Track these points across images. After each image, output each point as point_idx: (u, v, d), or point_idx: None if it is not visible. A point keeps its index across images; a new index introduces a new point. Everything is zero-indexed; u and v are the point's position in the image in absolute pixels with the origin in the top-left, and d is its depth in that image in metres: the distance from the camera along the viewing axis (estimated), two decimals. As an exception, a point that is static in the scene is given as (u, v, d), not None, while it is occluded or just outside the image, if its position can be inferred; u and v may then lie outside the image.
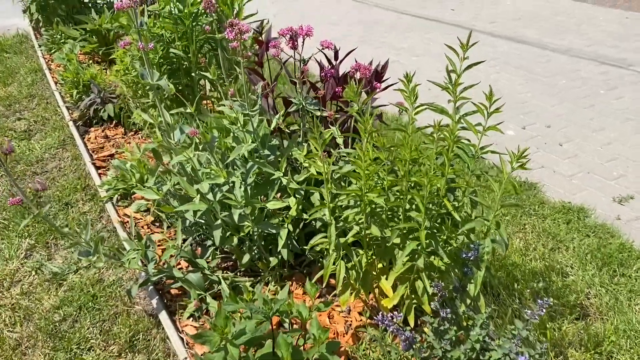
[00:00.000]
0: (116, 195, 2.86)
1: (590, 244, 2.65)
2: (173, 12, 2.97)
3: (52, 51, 5.12)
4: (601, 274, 2.45)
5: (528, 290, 2.31)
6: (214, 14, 2.72)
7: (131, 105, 3.46)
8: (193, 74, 3.12)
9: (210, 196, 1.99)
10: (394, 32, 6.63)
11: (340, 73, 2.40)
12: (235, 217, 1.93)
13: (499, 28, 6.66)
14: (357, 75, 2.13)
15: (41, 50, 5.24)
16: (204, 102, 3.36)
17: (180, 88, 3.18)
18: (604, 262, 2.52)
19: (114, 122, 3.73)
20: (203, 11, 3.02)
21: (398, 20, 7.16)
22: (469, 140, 2.04)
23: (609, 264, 2.51)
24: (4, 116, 4.32)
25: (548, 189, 3.21)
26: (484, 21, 7.00)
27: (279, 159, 2.13)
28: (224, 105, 2.09)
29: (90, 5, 5.55)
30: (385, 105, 2.58)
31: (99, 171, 3.21)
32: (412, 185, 1.80)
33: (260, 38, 2.38)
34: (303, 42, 2.04)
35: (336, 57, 2.45)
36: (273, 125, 2.09)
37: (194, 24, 2.99)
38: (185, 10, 2.92)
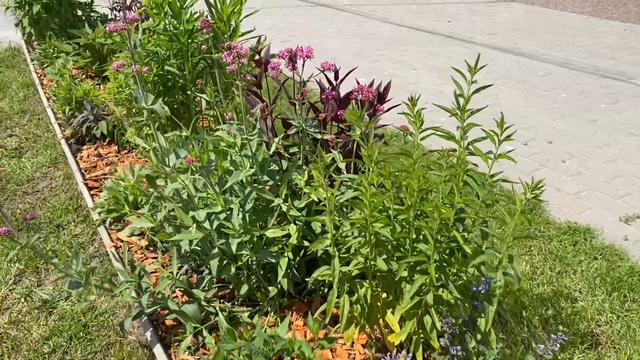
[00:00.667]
0: (109, 218, 2.77)
1: (599, 267, 2.57)
2: (168, 28, 2.89)
3: (45, 65, 5.04)
4: (611, 299, 2.37)
5: (537, 318, 2.23)
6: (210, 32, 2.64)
7: (125, 123, 3.38)
8: (189, 92, 3.04)
9: (206, 224, 1.90)
10: (391, 44, 6.58)
11: (341, 93, 2.32)
12: (234, 247, 1.85)
13: (497, 40, 6.62)
14: (360, 97, 2.05)
15: (33, 64, 5.15)
16: (200, 120, 3.28)
17: (175, 106, 3.10)
18: (614, 287, 2.44)
19: (107, 139, 3.64)
20: (199, 28, 2.95)
21: (394, 32, 7.12)
22: (476, 165, 1.97)
23: (618, 288, 2.43)
24: (-5, 133, 4.22)
25: (553, 208, 3.14)
26: (481, 33, 6.96)
27: (279, 184, 2.05)
28: (222, 130, 2.00)
29: (83, 18, 5.47)
30: (386, 125, 2.50)
31: (92, 192, 3.12)
32: (419, 213, 1.72)
33: (259, 58, 2.31)
34: (303, 64, 1.96)
35: (336, 77, 2.37)
36: (272, 149, 2.01)
37: (189, 41, 2.92)
38: (181, 28, 2.84)
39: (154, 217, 1.98)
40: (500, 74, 5.44)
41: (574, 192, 3.33)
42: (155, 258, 2.54)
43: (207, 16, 3.00)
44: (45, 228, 3.04)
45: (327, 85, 2.29)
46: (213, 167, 2.13)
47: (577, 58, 5.88)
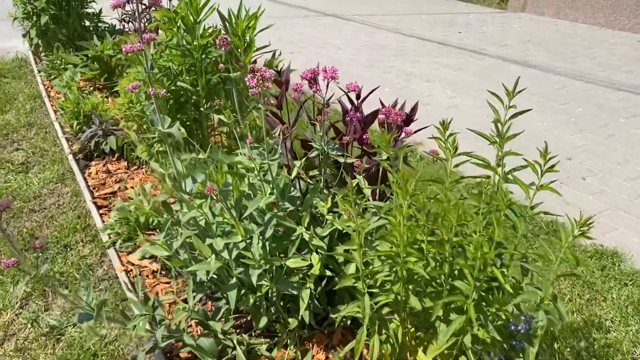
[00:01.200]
0: (119, 240, 2.67)
1: (630, 295, 2.46)
2: (181, 43, 2.80)
3: (52, 77, 4.96)
4: (646, 330, 2.26)
5: (569, 350, 2.12)
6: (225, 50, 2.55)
7: (134, 138, 3.29)
8: (202, 109, 2.94)
9: (225, 253, 1.80)
10: (402, 56, 6.50)
11: (363, 111, 2.23)
12: (254, 279, 1.75)
13: (509, 52, 6.53)
14: (381, 116, 1.96)
15: (40, 76, 5.08)
16: (213, 136, 3.19)
17: (188, 123, 3.01)
18: (648, 316, 2.33)
19: (116, 155, 3.55)
20: (212, 43, 2.86)
21: (405, 43, 7.04)
22: (511, 193, 1.86)
23: (653, 318, 2.32)
24: (1, 146, 4.14)
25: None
26: (492, 44, 6.88)
27: (299, 209, 1.95)
28: (241, 154, 1.91)
29: (91, 29, 5.40)
30: (409, 145, 2.40)
31: (101, 211, 3.02)
32: (454, 245, 1.62)
33: (279, 78, 2.22)
34: (327, 85, 1.87)
35: (358, 97, 2.28)
36: (294, 174, 1.91)
37: (203, 56, 2.83)
38: (195, 43, 2.75)
39: (169, 244, 1.88)
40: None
41: (597, 211, 3.22)
42: (168, 283, 2.44)
43: (220, 30, 2.92)
44: (53, 248, 2.94)
45: (348, 105, 2.19)
46: (230, 190, 2.04)
47: (591, 70, 5.79)
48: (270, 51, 3.06)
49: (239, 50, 2.86)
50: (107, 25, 5.47)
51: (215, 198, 1.63)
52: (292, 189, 1.94)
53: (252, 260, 1.76)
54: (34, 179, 3.59)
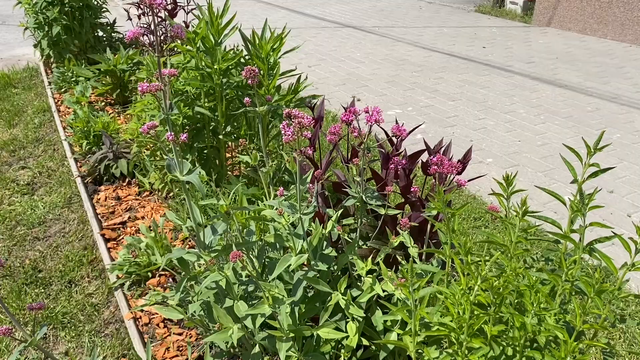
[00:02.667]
0: (127, 282, 2.44)
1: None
2: (200, 66, 2.58)
3: (63, 89, 4.77)
4: None
5: None
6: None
7: (147, 162, 3.06)
8: (220, 136, 2.71)
9: (248, 321, 1.56)
10: (424, 71, 6.24)
11: (403, 149, 1.98)
12: (282, 354, 1.50)
13: (538, 70, 6.25)
14: (433, 167, 1.71)
15: (51, 88, 4.89)
16: (231, 164, 2.96)
17: (205, 151, 2.78)
18: None
19: (126, 179, 3.33)
20: (234, 65, 2.63)
21: (427, 58, 6.79)
22: (572, 242, 1.60)
23: None
24: (7, 164, 3.94)
25: (630, 276, 2.76)
26: (519, 61, 6.61)
27: (333, 268, 1.71)
28: (267, 205, 1.67)
29: (104, 40, 5.21)
30: (452, 188, 2.15)
31: (109, 244, 2.79)
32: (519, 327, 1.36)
33: (312, 115, 1.98)
34: (369, 129, 1.62)
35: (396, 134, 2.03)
36: (328, 228, 1.67)
37: (224, 80, 2.60)
38: (215, 67, 2.52)
39: (184, 306, 1.65)
40: (544, 108, 5.07)
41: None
42: (180, 334, 2.20)
43: (242, 51, 2.69)
44: (56, 283, 2.72)
45: (383, 146, 1.95)
46: (253, 241, 1.80)
47: (626, 92, 5.50)
48: (295, 74, 2.83)
49: (262, 73, 2.63)
50: (122, 35, 5.28)
51: (241, 265, 1.39)
52: (325, 243, 1.70)
53: (280, 332, 1.52)
54: (40, 203, 3.38)
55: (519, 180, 3.75)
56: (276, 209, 1.62)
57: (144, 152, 2.90)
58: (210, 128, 2.76)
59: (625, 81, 5.82)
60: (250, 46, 2.63)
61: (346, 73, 6.14)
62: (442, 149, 1.93)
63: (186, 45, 2.63)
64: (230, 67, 2.57)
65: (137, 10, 4.33)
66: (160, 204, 3.12)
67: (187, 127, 2.69)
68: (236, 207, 1.77)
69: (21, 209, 3.34)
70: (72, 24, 4.78)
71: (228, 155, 3.08)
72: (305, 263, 1.68)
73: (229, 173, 2.88)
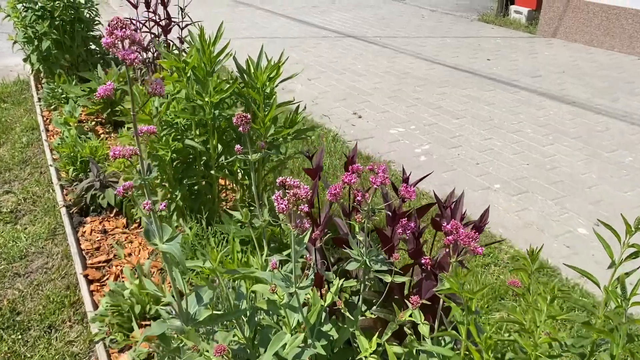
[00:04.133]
0: (110, 336, 2.25)
1: None
2: (192, 97, 2.39)
3: (52, 107, 4.59)
4: None
5: None
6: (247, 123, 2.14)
7: (134, 194, 2.87)
8: (212, 171, 2.53)
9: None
10: (427, 86, 6.06)
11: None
12: None
13: (544, 84, 6.07)
14: (448, 239, 1.53)
15: (40, 105, 4.70)
16: (223, 200, 2.77)
17: (196, 187, 2.60)
18: None
19: (114, 210, 3.14)
20: (227, 96, 2.44)
21: (430, 71, 6.61)
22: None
23: None
24: (-9, 187, 3.75)
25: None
26: (524, 75, 6.43)
27: (332, 342, 1.52)
28: (264, 269, 1.49)
29: (97, 55, 5.03)
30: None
31: (92, 285, 2.61)
32: None
33: (310, 166, 1.79)
34: (373, 194, 1.44)
35: (405, 181, 1.85)
36: (328, 301, 1.48)
37: (216, 112, 2.42)
38: (207, 99, 2.34)
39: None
40: (553, 128, 4.89)
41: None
42: (165, 398, 2.01)
43: (237, 80, 2.51)
44: (35, 328, 2.53)
45: (393, 194, 1.76)
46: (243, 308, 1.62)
47: (636, 110, 5.32)
48: (294, 102, 2.65)
49: (257, 104, 2.45)
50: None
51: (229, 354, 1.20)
52: (324, 315, 1.51)
53: None
54: (22, 234, 3.19)
55: (528, 210, 3.57)
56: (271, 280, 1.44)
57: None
58: (202, 162, 2.57)
59: (634, 97, 5.64)
60: (245, 76, 2.44)
61: (347, 87, 5.95)
62: (454, 203, 1.74)
63: (175, 73, 2.45)
64: (223, 100, 2.39)
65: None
66: (149, 238, 2.93)
67: (176, 162, 2.50)
68: (225, 270, 1.58)
69: (2, 241, 3.15)
70: (63, 38, 4.60)
71: (222, 183, 2.90)
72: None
73: (223, 206, 2.69)
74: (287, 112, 2.69)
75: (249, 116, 1.62)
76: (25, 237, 3.16)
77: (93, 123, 4.17)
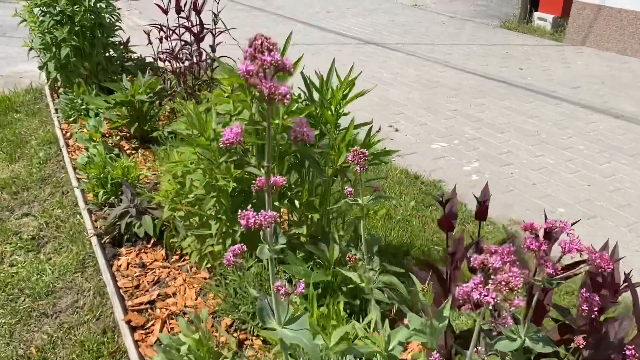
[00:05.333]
0: (166, 402, 1.91)
1: None
2: (257, 120, 2.06)
3: (72, 119, 4.25)
4: None
5: None
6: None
7: (179, 225, 2.54)
8: (277, 203, 2.19)
9: None
10: (461, 96, 5.75)
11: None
12: None
13: (585, 96, 5.77)
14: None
15: (58, 117, 4.36)
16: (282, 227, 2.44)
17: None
18: None
19: (151, 240, 2.80)
20: (304, 117, 2.11)
21: (462, 80, 6.29)
22: None
23: None
24: (8, 209, 3.41)
25: None
26: (562, 86, 6.12)
27: None
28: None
29: (117, 62, 4.70)
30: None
31: (137, 333, 2.27)
32: None
33: (443, 215, 1.46)
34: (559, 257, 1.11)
35: (547, 235, 1.51)
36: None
37: (283, 135, 2.09)
38: (277, 121, 2.01)
39: None
40: (605, 144, 4.57)
41: None
42: None
43: (304, 102, 2.18)
44: (70, 383, 2.20)
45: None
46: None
47: (688, 123, 5.02)
48: (365, 124, 2.33)
49: (329, 127, 2.12)
50: (137, 57, 4.77)
51: None
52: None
53: None
54: (47, 265, 2.85)
55: (600, 237, 3.25)
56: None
57: (180, 221, 2.39)
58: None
59: (684, 111, 5.34)
60: (314, 93, 2.12)
61: (376, 96, 5.63)
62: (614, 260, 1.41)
63: (236, 91, 2.12)
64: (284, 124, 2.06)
65: (159, 33, 3.83)
66: (195, 273, 2.59)
67: (234, 192, 2.17)
68: (344, 349, 1.25)
69: (25, 273, 2.81)
70: (83, 45, 4.27)
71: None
72: None
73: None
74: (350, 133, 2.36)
75: (367, 152, 1.29)
76: (50, 269, 2.82)
77: (118, 138, 3.83)
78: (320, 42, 8.05)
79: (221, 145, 0.90)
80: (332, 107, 2.13)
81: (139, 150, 3.78)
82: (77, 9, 4.13)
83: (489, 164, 4.19)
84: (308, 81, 2.15)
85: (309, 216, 2.27)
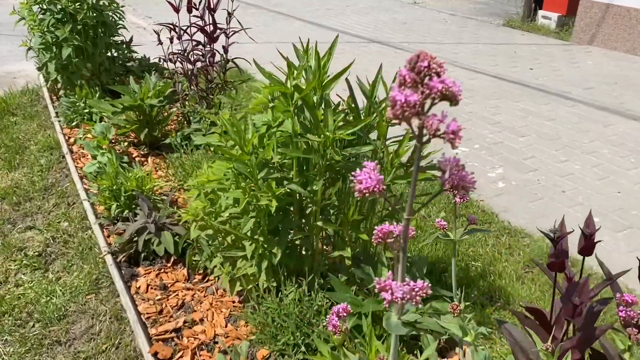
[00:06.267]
0: None
1: None
2: (301, 133, 1.86)
3: (74, 123, 4.01)
4: None
5: None
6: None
7: (205, 244, 2.34)
8: (320, 222, 1.99)
9: None
10: (475, 97, 5.58)
11: None
12: None
13: (600, 97, 5.62)
14: None
15: (59, 121, 4.11)
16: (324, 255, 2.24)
17: (296, 241, 2.07)
18: None
19: (171, 258, 2.59)
20: (358, 130, 1.92)
21: (473, 81, 6.13)
22: None
23: None
24: (10, 221, 3.17)
25: None
26: (575, 86, 5.97)
27: None
28: None
29: (120, 62, 4.46)
30: None
31: (164, 367, 2.06)
32: None
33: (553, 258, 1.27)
34: None
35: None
36: None
37: (338, 151, 1.89)
38: (328, 134, 1.81)
39: None
40: (629, 148, 4.43)
41: None
42: None
43: (352, 115, 1.99)
44: None
45: None
46: None
47: None
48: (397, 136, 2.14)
49: (381, 141, 1.93)
50: (140, 57, 4.54)
51: None
52: None
53: None
54: (57, 286, 2.62)
55: (638, 250, 3.09)
56: None
57: (210, 243, 2.19)
58: (300, 211, 2.04)
59: None
60: (362, 104, 1.93)
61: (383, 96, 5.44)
62: None
63: (280, 101, 1.92)
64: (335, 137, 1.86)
65: (169, 33, 3.61)
66: (221, 295, 2.38)
67: (277, 213, 1.97)
68: None
69: (34, 295, 2.58)
70: (85, 44, 4.03)
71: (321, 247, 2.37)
72: None
73: (319, 263, 2.16)
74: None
75: (473, 177, 1.10)
76: (61, 290, 2.60)
77: (125, 144, 3.60)
78: (323, 41, 7.81)
79: (357, 196, 0.70)
80: (384, 118, 1.93)
81: (149, 158, 3.55)
82: (80, 7, 3.89)
83: (514, 170, 4.02)
84: (361, 87, 1.95)
85: (354, 236, 2.07)
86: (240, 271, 2.11)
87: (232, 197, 1.86)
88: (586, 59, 7.12)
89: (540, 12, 9.00)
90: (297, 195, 2.02)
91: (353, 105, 1.99)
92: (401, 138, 1.94)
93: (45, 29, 3.88)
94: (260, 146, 1.92)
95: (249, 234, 1.98)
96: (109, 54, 4.36)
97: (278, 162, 1.98)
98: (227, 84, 3.61)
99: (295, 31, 8.38)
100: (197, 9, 3.40)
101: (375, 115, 1.95)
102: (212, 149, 2.71)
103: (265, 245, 1.99)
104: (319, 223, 1.97)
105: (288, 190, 1.91)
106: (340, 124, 1.86)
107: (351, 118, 2.00)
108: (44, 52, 4.06)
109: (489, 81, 6.15)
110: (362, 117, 1.98)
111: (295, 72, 1.86)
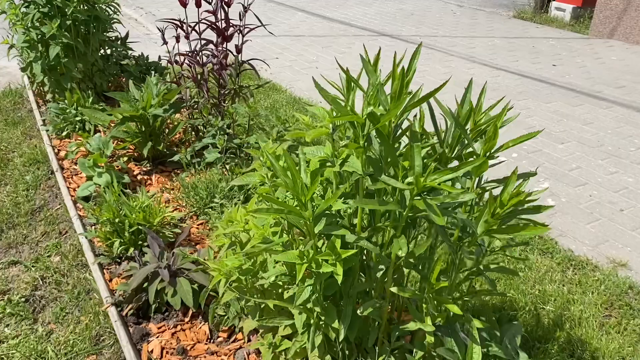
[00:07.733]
0: None
1: None
2: (367, 171, 1.40)
3: (64, 133, 3.51)
4: None
5: None
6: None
7: (235, 304, 1.87)
8: (394, 288, 1.54)
9: None
10: (506, 99, 5.12)
11: None
12: None
13: (636, 97, 5.21)
14: None
15: (47, 131, 3.59)
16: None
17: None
18: None
19: (189, 311, 2.13)
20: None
21: (495, 79, 5.69)
22: None
23: None
24: (-10, 254, 2.69)
25: None
26: (605, 84, 5.55)
27: None
28: None
29: (114, 61, 3.95)
30: None
31: None
32: None
33: None
34: None
35: None
36: None
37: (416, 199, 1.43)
38: (411, 179, 1.35)
39: None
40: (677, 155, 4.02)
41: None
42: None
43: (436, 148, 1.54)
44: None
45: None
46: None
47: None
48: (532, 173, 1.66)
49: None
50: (136, 55, 4.03)
51: None
52: None
53: None
54: (48, 345, 2.15)
55: None
56: None
57: (239, 301, 1.73)
58: (373, 269, 1.58)
59: None
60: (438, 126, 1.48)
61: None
62: None
63: (339, 130, 1.46)
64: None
65: (175, 31, 3.11)
66: (254, 362, 1.93)
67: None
68: None
69: (19, 356, 2.11)
70: (76, 42, 3.51)
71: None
72: None
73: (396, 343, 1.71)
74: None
75: None
76: (53, 349, 2.13)
77: (125, 159, 3.10)
78: (329, 34, 7.34)
79: None
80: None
81: (154, 176, 3.07)
82: (69, 0, 3.37)
83: (561, 184, 3.59)
84: (451, 113, 1.50)
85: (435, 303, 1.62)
86: (287, 345, 1.65)
87: (284, 260, 1.39)
88: (609, 54, 6.70)
89: (554, 3, 8.56)
90: (372, 256, 1.57)
91: (435, 136, 1.54)
92: (504, 178, 1.49)
93: (30, 25, 3.36)
94: (312, 187, 1.45)
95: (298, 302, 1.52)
96: (102, 52, 3.86)
97: (342, 211, 1.53)
98: (242, 89, 3.13)
99: (299, 23, 7.88)
100: (209, 3, 2.90)
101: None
102: (235, 173, 2.24)
103: (322, 318, 1.53)
104: (393, 289, 1.52)
105: (356, 249, 1.45)
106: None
107: (432, 151, 1.55)
108: (28, 50, 3.54)
109: (512, 79, 5.71)
110: (446, 150, 1.52)
111: (370, 94, 1.39)
